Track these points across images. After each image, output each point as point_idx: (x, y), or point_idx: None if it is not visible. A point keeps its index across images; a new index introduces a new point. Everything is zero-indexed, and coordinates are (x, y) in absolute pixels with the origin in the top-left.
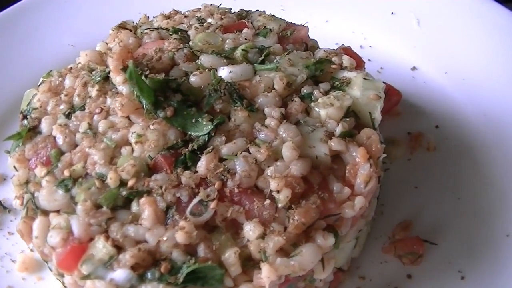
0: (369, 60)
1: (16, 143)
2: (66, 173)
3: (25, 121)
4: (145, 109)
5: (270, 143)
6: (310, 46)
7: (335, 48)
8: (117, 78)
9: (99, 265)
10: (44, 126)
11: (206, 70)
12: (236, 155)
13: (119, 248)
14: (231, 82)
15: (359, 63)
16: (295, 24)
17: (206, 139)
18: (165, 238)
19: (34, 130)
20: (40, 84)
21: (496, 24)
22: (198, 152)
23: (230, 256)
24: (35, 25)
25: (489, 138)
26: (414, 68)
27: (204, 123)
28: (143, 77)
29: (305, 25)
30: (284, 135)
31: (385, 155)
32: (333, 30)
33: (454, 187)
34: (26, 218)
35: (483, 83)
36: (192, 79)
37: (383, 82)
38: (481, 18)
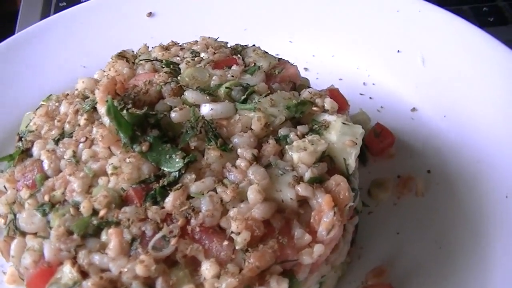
0: (370, 98)
1: (8, 164)
2: (46, 198)
3: (20, 143)
4: (122, 142)
5: (237, 184)
6: (298, 85)
7: (324, 89)
8: (102, 109)
9: None
10: (35, 149)
11: (187, 106)
12: (203, 194)
13: (85, 275)
14: (209, 120)
15: (342, 106)
16: (286, 61)
17: (177, 176)
18: (125, 269)
19: (26, 153)
20: (39, 108)
21: (504, 71)
22: (168, 188)
23: None
24: (49, 45)
25: (480, 187)
26: (414, 109)
27: (177, 160)
28: (125, 111)
29: (295, 63)
30: (252, 177)
31: (352, 204)
32: (338, 64)
33: (436, 235)
34: (6, 237)
35: (481, 129)
36: (173, 115)
37: (378, 123)
38: (488, 63)
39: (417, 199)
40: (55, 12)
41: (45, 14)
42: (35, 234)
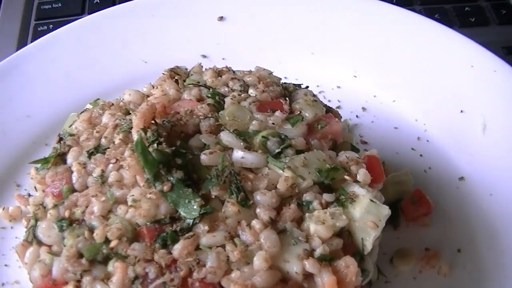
0: (420, 155)
1: (43, 165)
2: (67, 213)
3: (58, 145)
4: (146, 177)
5: (247, 246)
6: (339, 143)
7: (362, 155)
8: (135, 136)
9: None
10: (69, 157)
11: (218, 151)
12: (211, 248)
13: None
14: (236, 170)
15: (376, 179)
16: (332, 116)
17: (191, 223)
18: None
19: (62, 157)
20: (83, 111)
21: None
22: (180, 234)
23: None
24: (112, 35)
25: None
26: (462, 178)
27: (194, 207)
28: (154, 145)
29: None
30: (263, 242)
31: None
32: (397, 111)
33: None
34: (24, 242)
35: None
36: (202, 157)
37: (418, 190)
38: None
39: (439, 278)
40: None
41: None
42: (50, 247)
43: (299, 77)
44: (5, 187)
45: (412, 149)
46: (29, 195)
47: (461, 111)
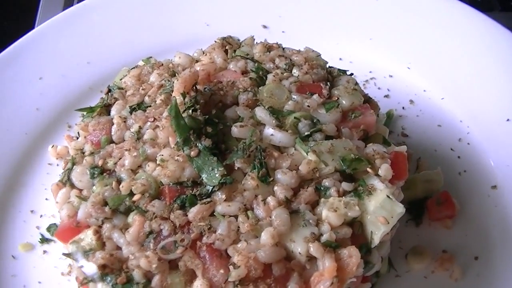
0: (458, 157)
1: (88, 114)
2: (100, 162)
3: (106, 96)
4: (176, 140)
5: (258, 220)
6: (371, 135)
7: (390, 149)
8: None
9: (80, 250)
10: (113, 109)
11: (249, 125)
12: (224, 216)
13: (102, 245)
14: (262, 147)
15: (399, 176)
16: (368, 107)
17: (210, 190)
18: (133, 257)
19: (107, 108)
20: (135, 67)
21: None
22: (199, 198)
23: None
24: None
25: None
26: (494, 187)
27: (217, 175)
28: (189, 111)
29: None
30: (273, 219)
31: (354, 280)
32: (444, 109)
33: None
34: (59, 182)
35: None
36: (233, 129)
37: (446, 192)
38: None
39: (450, 282)
40: None
41: None
42: (81, 191)
43: (354, 60)
44: (58, 126)
45: (451, 149)
46: (77, 137)
47: (507, 120)
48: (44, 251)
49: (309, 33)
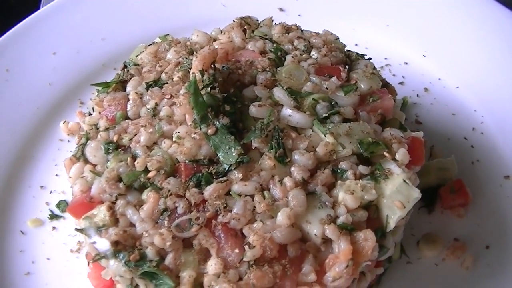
0: (471, 146)
1: (103, 89)
2: (115, 138)
3: (121, 72)
4: (194, 117)
5: (275, 201)
6: (388, 119)
7: (406, 135)
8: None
9: (92, 226)
10: (129, 85)
11: (267, 105)
12: (241, 196)
13: (115, 221)
14: (280, 127)
15: (415, 161)
16: (386, 92)
17: (227, 169)
18: (147, 234)
19: (122, 84)
20: (151, 44)
21: None
22: (215, 177)
23: (186, 276)
24: None
25: None
26: (507, 177)
27: (233, 154)
28: (208, 89)
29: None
30: (290, 200)
31: (369, 263)
32: (459, 98)
33: None
34: (72, 157)
35: None
36: (251, 108)
37: (460, 180)
38: None
39: (460, 270)
40: None
41: None
42: (94, 166)
43: (369, 46)
44: (70, 102)
45: (465, 138)
46: (90, 114)
47: None
48: (54, 228)
49: (325, 17)
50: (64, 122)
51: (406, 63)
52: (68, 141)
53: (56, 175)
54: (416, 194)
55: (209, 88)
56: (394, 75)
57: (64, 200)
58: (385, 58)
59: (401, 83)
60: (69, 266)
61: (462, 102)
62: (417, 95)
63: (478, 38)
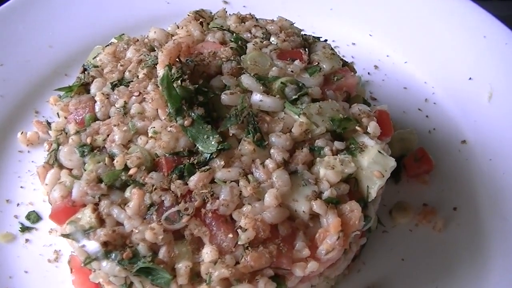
0: (426, 116)
1: (66, 93)
2: (89, 140)
3: (82, 75)
4: (168, 111)
5: (260, 183)
6: (353, 96)
7: (373, 109)
8: (160, 72)
9: (79, 230)
10: (93, 87)
11: (238, 92)
12: (226, 182)
13: (101, 222)
14: (254, 112)
15: (386, 133)
16: (348, 70)
17: (208, 158)
18: (137, 231)
19: (85, 87)
20: (108, 44)
21: None
22: (197, 167)
23: (182, 267)
24: None
25: (499, 244)
26: (464, 142)
27: (212, 142)
28: (178, 82)
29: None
30: (274, 181)
31: (358, 233)
32: (408, 72)
33: (437, 275)
34: (46, 164)
35: None
36: (223, 97)
37: (422, 148)
38: None
39: (433, 233)
40: None
41: None
42: (70, 170)
43: (316, 31)
44: (24, 113)
45: (419, 109)
46: (48, 122)
47: (470, 78)
48: (27, 240)
49: (270, 6)
50: (22, 133)
51: (354, 44)
52: (28, 151)
53: (21, 187)
54: (392, 162)
55: (179, 81)
56: (343, 56)
57: (34, 211)
58: (333, 41)
59: (351, 63)
60: (49, 276)
61: (412, 76)
62: (368, 73)
63: (421, 14)
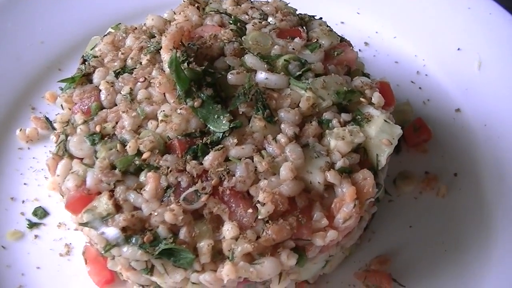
0: (420, 88)
1: (69, 85)
2: (98, 128)
3: (83, 66)
4: (178, 94)
5: (274, 158)
6: (353, 70)
7: (374, 81)
8: (165, 56)
9: (97, 218)
10: (96, 76)
11: (244, 71)
12: (240, 159)
13: (118, 208)
14: (261, 89)
15: (389, 102)
16: (347, 45)
17: (220, 137)
18: (156, 213)
19: (87, 77)
20: (106, 34)
21: None
22: (210, 146)
23: (204, 246)
24: None
25: (501, 205)
26: (458, 110)
27: (223, 121)
28: (185, 65)
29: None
30: (288, 154)
31: (373, 200)
32: (398, 47)
33: (446, 238)
34: (55, 156)
35: None
36: (229, 77)
37: (420, 118)
38: None
39: (437, 199)
40: None
41: None
42: (81, 159)
43: (303, 11)
44: (21, 110)
45: (412, 82)
46: (46, 117)
47: (458, 49)
48: (36, 236)
49: None
50: (21, 130)
51: (343, 22)
52: (29, 148)
53: (25, 184)
54: (399, 130)
55: (186, 64)
56: None
57: (40, 206)
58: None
59: None
60: (62, 270)
61: (402, 50)
62: (359, 50)
63: None
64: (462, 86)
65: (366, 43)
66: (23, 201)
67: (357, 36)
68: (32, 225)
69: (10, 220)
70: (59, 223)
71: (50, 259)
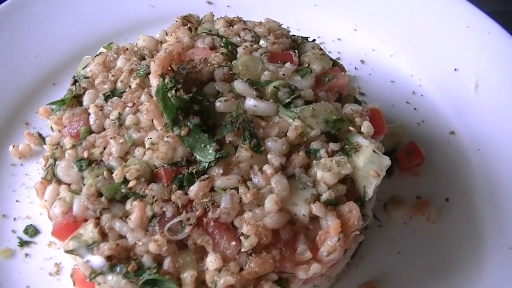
0: (415, 109)
1: (59, 106)
2: (85, 154)
3: (73, 87)
4: (164, 122)
5: (259, 189)
6: (344, 95)
7: (365, 107)
8: (153, 82)
9: (82, 245)
10: (86, 99)
11: (232, 99)
12: (226, 190)
13: (104, 236)
14: (249, 118)
15: (379, 131)
16: (339, 70)
17: (206, 166)
18: (140, 243)
19: (77, 99)
20: (98, 54)
21: None
22: (196, 176)
23: (188, 277)
24: None
25: (488, 233)
26: (452, 133)
27: (210, 151)
28: (172, 92)
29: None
30: (274, 186)
31: (358, 233)
32: (394, 66)
33: (435, 264)
34: (43, 180)
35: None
36: (217, 104)
37: (413, 142)
38: None
39: (428, 224)
40: None
41: None
42: (69, 185)
43: (301, 27)
44: (14, 125)
45: (407, 102)
46: (39, 133)
47: (455, 69)
48: (26, 254)
49: (254, 5)
50: (14, 146)
51: (339, 39)
52: (21, 164)
53: (17, 201)
54: (387, 161)
55: (174, 91)
56: (329, 52)
57: (31, 224)
58: (318, 37)
59: (337, 58)
60: None
61: (399, 69)
62: (355, 68)
63: (404, 8)
64: (458, 108)
65: (362, 61)
66: (14, 219)
67: (353, 53)
68: (23, 243)
69: (1, 237)
70: (50, 241)
71: (40, 278)
